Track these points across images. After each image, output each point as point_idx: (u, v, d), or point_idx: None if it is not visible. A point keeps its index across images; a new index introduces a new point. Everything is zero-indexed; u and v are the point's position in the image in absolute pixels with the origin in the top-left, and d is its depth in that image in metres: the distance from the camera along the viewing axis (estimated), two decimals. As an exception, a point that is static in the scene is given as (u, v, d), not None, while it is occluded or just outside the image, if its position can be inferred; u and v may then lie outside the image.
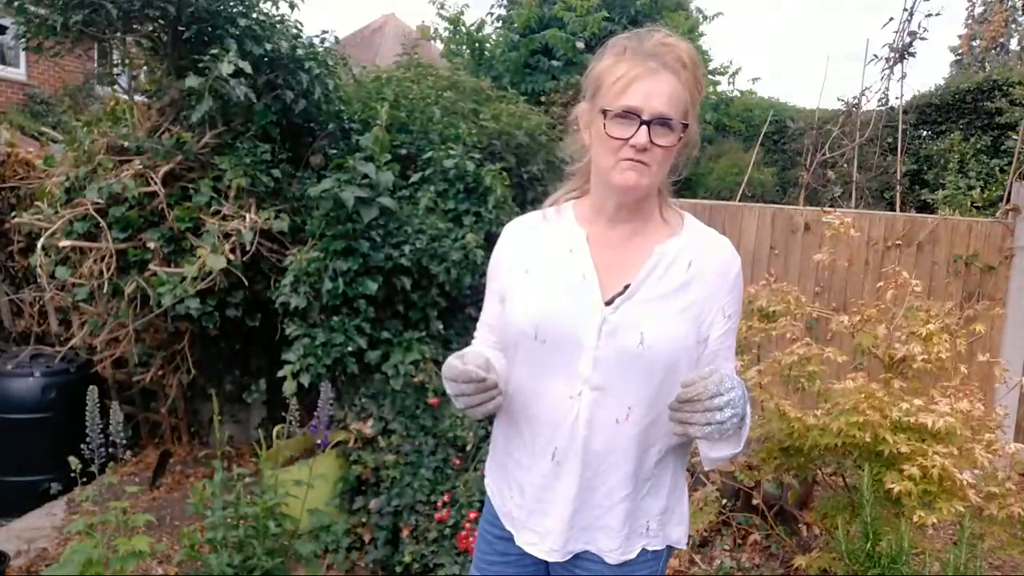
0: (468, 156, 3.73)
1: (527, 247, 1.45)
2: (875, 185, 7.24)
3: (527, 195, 4.31)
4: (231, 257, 3.23)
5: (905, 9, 5.40)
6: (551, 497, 1.39)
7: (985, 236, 4.57)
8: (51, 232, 3.34)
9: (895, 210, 5.60)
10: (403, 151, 3.88)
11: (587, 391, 1.33)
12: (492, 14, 8.88)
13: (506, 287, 1.45)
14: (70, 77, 10.20)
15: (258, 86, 3.42)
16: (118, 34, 3.64)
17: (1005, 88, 8.61)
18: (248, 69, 3.25)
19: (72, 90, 9.79)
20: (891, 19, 5.48)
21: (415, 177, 3.73)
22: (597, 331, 1.32)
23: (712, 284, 1.36)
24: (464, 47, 8.74)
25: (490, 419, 1.53)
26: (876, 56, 5.60)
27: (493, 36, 8.70)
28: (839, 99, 5.98)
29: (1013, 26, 15.24)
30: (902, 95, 6.21)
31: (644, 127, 1.25)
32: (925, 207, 8.05)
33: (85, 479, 2.50)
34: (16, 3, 3.38)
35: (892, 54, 5.50)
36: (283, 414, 2.83)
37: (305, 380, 3.12)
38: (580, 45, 7.44)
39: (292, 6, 3.83)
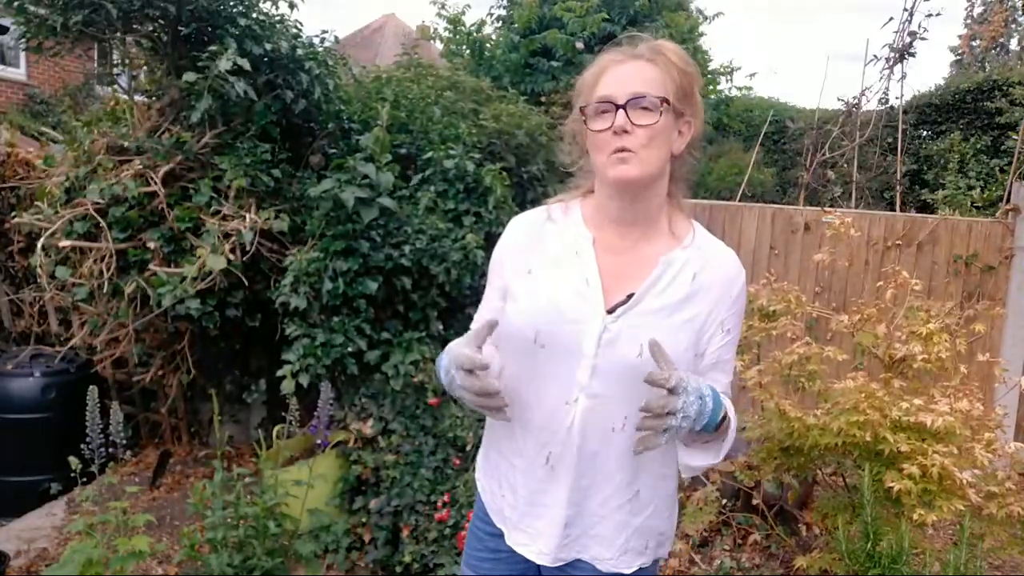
0: (468, 156, 3.73)
1: (532, 245, 1.42)
2: (875, 185, 7.24)
3: (527, 195, 4.31)
4: (231, 257, 3.23)
5: (905, 9, 5.41)
6: (544, 501, 1.38)
7: (985, 236, 4.57)
8: (51, 232, 3.34)
9: (895, 210, 5.60)
10: (403, 151, 3.88)
11: (583, 398, 1.32)
12: (492, 14, 8.88)
13: (508, 285, 1.43)
14: (70, 77, 10.21)
15: (258, 86, 3.42)
16: (118, 34, 3.64)
17: (1005, 88, 8.61)
18: (247, 66, 3.25)
19: (72, 90, 9.79)
20: (891, 19, 5.49)
21: (415, 177, 3.73)
22: (597, 339, 1.30)
23: (715, 298, 1.34)
24: (464, 47, 8.74)
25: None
26: (876, 56, 5.61)
27: (493, 36, 8.70)
28: (839, 99, 5.97)
29: (1013, 26, 15.26)
30: (902, 95, 6.22)
31: (621, 111, 1.25)
32: (925, 207, 8.05)
33: (85, 479, 2.50)
34: (16, 3, 3.38)
35: (892, 54, 5.50)
36: (283, 414, 2.83)
37: (305, 380, 3.12)
38: (580, 45, 7.44)
39: (292, 6, 3.83)
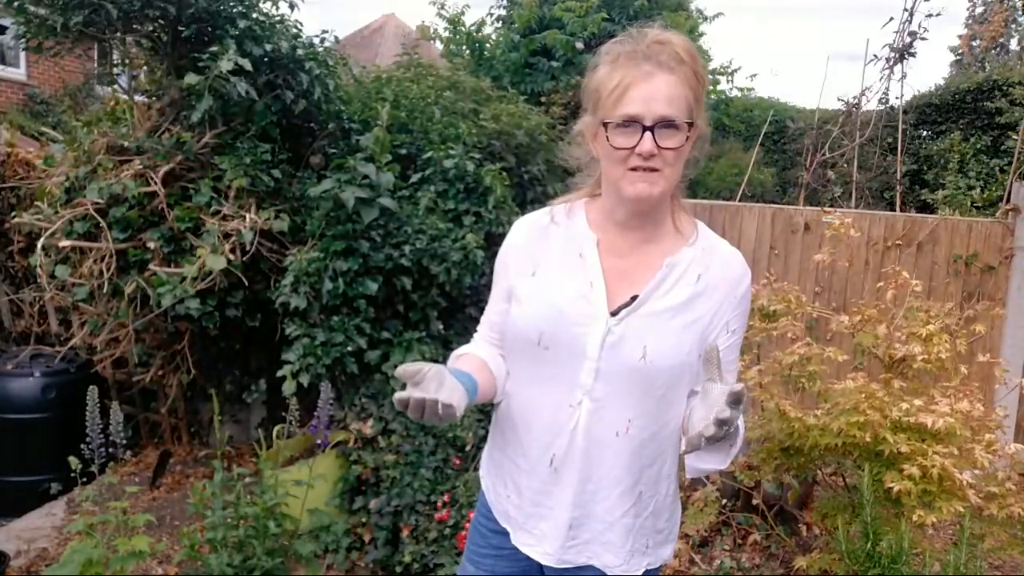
0: (468, 156, 3.73)
1: (536, 247, 1.41)
2: (875, 185, 7.25)
3: (527, 195, 4.31)
4: (231, 257, 3.23)
5: (905, 9, 5.41)
6: (548, 502, 1.38)
7: (985, 236, 4.57)
8: (51, 232, 3.34)
9: (895, 210, 5.60)
10: (403, 151, 3.88)
11: (587, 401, 1.31)
12: (492, 14, 8.88)
13: (513, 287, 1.42)
14: (70, 77, 10.21)
15: (258, 86, 3.42)
16: (118, 34, 3.64)
17: (1005, 88, 8.61)
18: (248, 67, 3.25)
19: (72, 90, 9.79)
20: (891, 19, 5.49)
21: (415, 177, 3.73)
22: (600, 342, 1.30)
23: (720, 299, 1.33)
24: (464, 47, 8.73)
25: (490, 418, 1.52)
26: (876, 56, 5.60)
27: (493, 36, 8.70)
28: (839, 99, 5.97)
29: (1013, 26, 15.25)
30: (902, 95, 6.22)
31: (648, 133, 1.22)
32: (925, 207, 8.05)
33: (85, 479, 2.50)
34: (16, 3, 3.38)
35: (892, 54, 5.50)
36: (283, 414, 2.83)
37: (305, 380, 3.12)
38: (579, 45, 7.43)
39: (292, 6, 3.83)
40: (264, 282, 3.55)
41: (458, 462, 3.17)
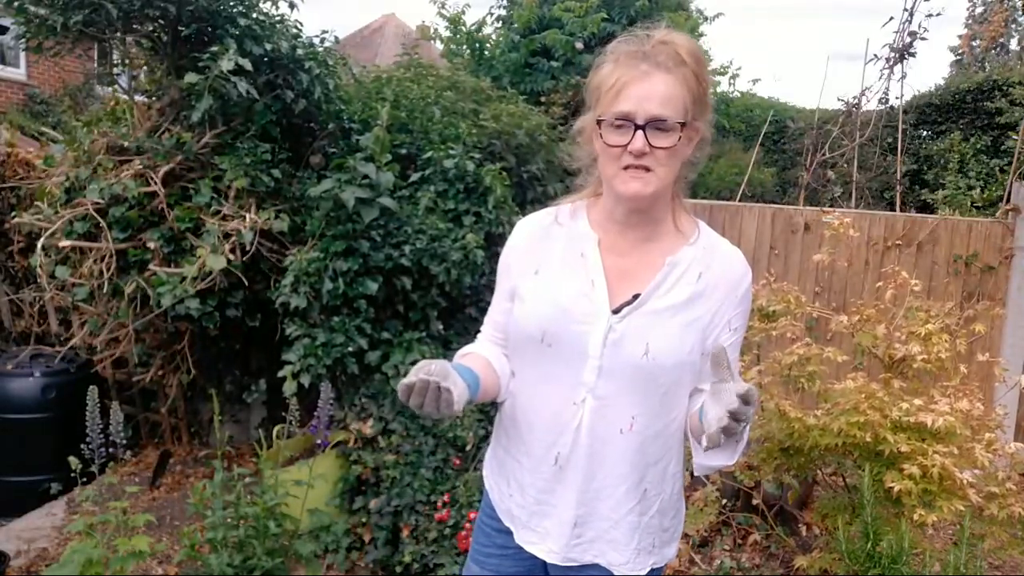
0: (468, 156, 3.73)
1: (538, 247, 1.43)
2: (875, 185, 7.25)
3: (527, 195, 4.31)
4: (231, 257, 3.23)
5: (905, 9, 5.41)
6: (553, 500, 1.39)
7: (985, 236, 4.57)
8: (51, 232, 3.34)
9: (895, 210, 5.60)
10: (403, 151, 3.88)
11: (590, 399, 1.32)
12: (492, 14, 8.88)
13: (516, 286, 1.43)
14: (70, 77, 10.21)
15: (258, 86, 3.42)
16: (118, 34, 3.64)
17: (1005, 88, 8.61)
18: (248, 67, 3.25)
19: (72, 90, 9.79)
20: (891, 19, 5.49)
21: (415, 177, 3.73)
22: (603, 339, 1.30)
23: (721, 298, 1.34)
24: (464, 47, 8.73)
25: (490, 418, 1.53)
26: (876, 56, 5.61)
27: (493, 36, 8.70)
28: (839, 99, 5.98)
29: (1013, 26, 15.26)
30: (902, 95, 6.23)
31: (640, 132, 1.23)
32: (925, 207, 8.05)
33: (85, 479, 2.50)
34: (16, 3, 3.38)
35: (892, 54, 5.50)
36: (283, 414, 2.83)
37: (305, 380, 3.12)
38: (579, 45, 7.44)
39: (292, 6, 3.82)
40: (264, 282, 3.55)
41: (458, 462, 3.17)
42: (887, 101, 5.93)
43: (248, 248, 3.29)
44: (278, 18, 3.66)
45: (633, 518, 1.37)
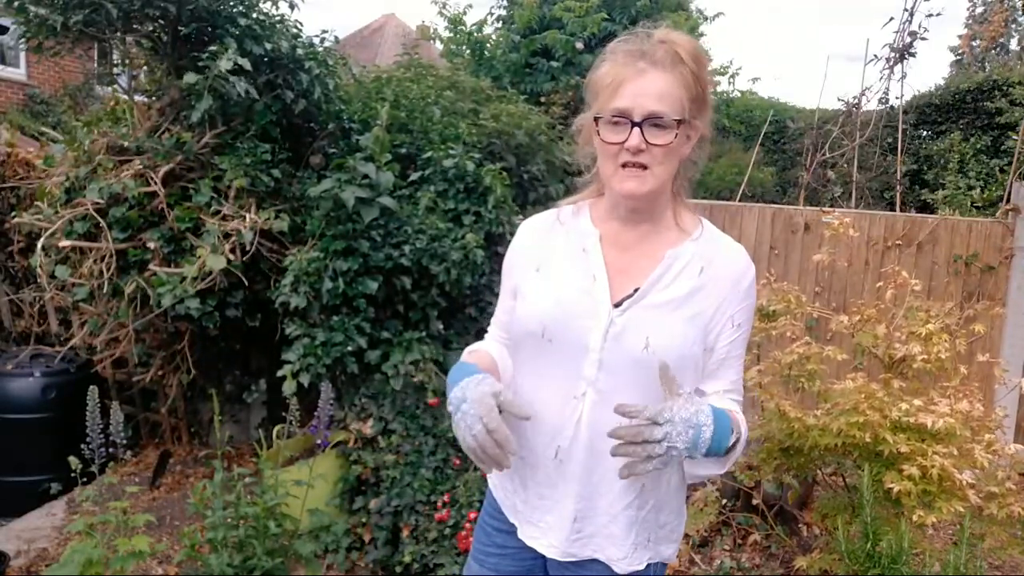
0: (468, 156, 3.73)
1: (540, 245, 1.44)
2: (875, 185, 7.25)
3: (527, 195, 4.31)
4: (231, 257, 3.23)
5: (905, 9, 5.41)
6: (554, 495, 1.39)
7: (985, 236, 4.57)
8: (51, 232, 3.34)
9: (895, 210, 5.60)
10: (403, 151, 3.88)
11: (591, 392, 1.33)
12: (492, 14, 8.88)
13: (518, 285, 1.45)
14: (70, 77, 10.21)
15: (258, 86, 3.42)
16: (118, 34, 3.64)
17: (1005, 88, 8.61)
18: (248, 66, 3.25)
19: (72, 90, 9.79)
20: (891, 19, 5.49)
21: (415, 177, 3.73)
22: (603, 333, 1.31)
23: (723, 292, 1.34)
24: (464, 47, 8.73)
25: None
26: (876, 56, 5.61)
27: (493, 36, 8.70)
28: (839, 99, 5.99)
29: (1013, 26, 15.26)
30: (902, 95, 6.23)
31: (636, 129, 1.24)
32: (925, 207, 8.05)
33: (85, 479, 2.50)
34: (16, 3, 3.38)
35: (892, 54, 5.51)
36: (283, 414, 2.83)
37: (305, 380, 3.12)
38: (579, 45, 7.44)
39: (292, 6, 3.82)
40: (264, 282, 3.55)
41: (458, 462, 3.17)
42: (887, 101, 5.94)
43: (248, 248, 3.29)
44: (278, 18, 3.66)
45: (631, 513, 1.37)
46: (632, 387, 1.31)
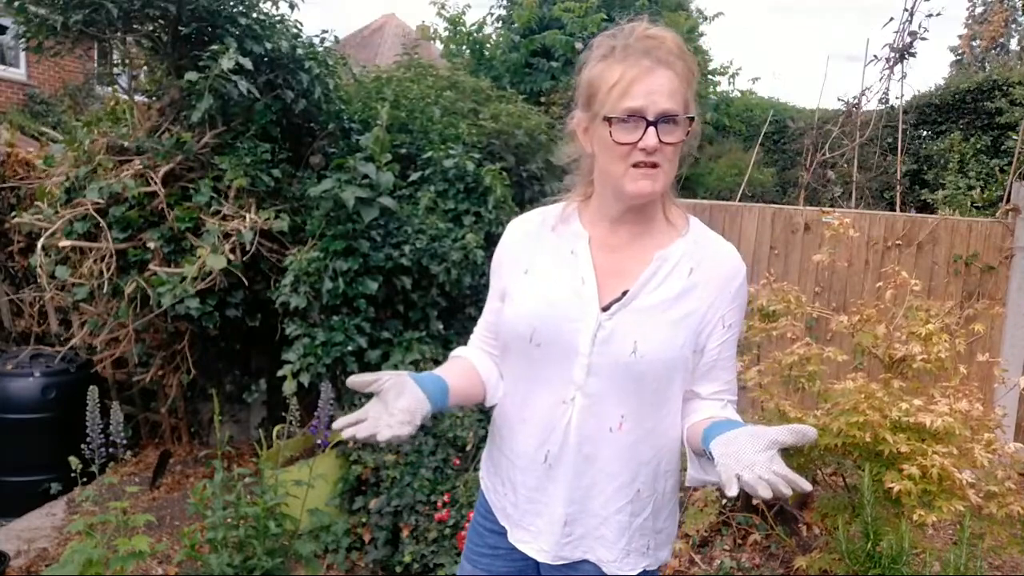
0: (468, 156, 3.74)
1: (529, 247, 1.43)
2: (875, 185, 7.25)
3: (526, 195, 4.31)
4: (231, 257, 3.23)
5: (905, 9, 5.41)
6: (543, 498, 1.38)
7: (985, 236, 4.58)
8: (51, 232, 3.34)
9: (895, 210, 5.60)
10: (403, 151, 3.88)
11: (580, 397, 1.32)
12: (492, 14, 8.89)
13: (506, 286, 1.43)
14: (70, 77, 10.20)
15: (258, 85, 3.42)
16: (118, 34, 3.64)
17: (1005, 88, 8.61)
18: (248, 66, 3.25)
19: (72, 90, 9.79)
20: (891, 19, 5.49)
21: (415, 177, 3.73)
22: (592, 337, 1.30)
23: (714, 293, 1.33)
24: (464, 47, 8.74)
25: (490, 418, 1.53)
26: (876, 56, 5.61)
27: (493, 36, 8.70)
28: (839, 99, 5.99)
29: (1013, 26, 15.27)
30: (902, 95, 6.25)
31: (651, 128, 1.22)
32: (925, 207, 8.05)
33: (85, 479, 2.50)
34: (16, 3, 3.38)
35: (892, 54, 5.51)
36: (283, 414, 2.83)
37: (305, 380, 3.12)
38: (579, 46, 7.44)
39: (292, 6, 3.83)
40: (264, 282, 3.55)
41: (458, 462, 3.17)
42: (887, 101, 5.94)
43: (248, 248, 3.29)
44: (278, 18, 3.66)
45: (624, 518, 1.36)
46: (621, 391, 1.30)
